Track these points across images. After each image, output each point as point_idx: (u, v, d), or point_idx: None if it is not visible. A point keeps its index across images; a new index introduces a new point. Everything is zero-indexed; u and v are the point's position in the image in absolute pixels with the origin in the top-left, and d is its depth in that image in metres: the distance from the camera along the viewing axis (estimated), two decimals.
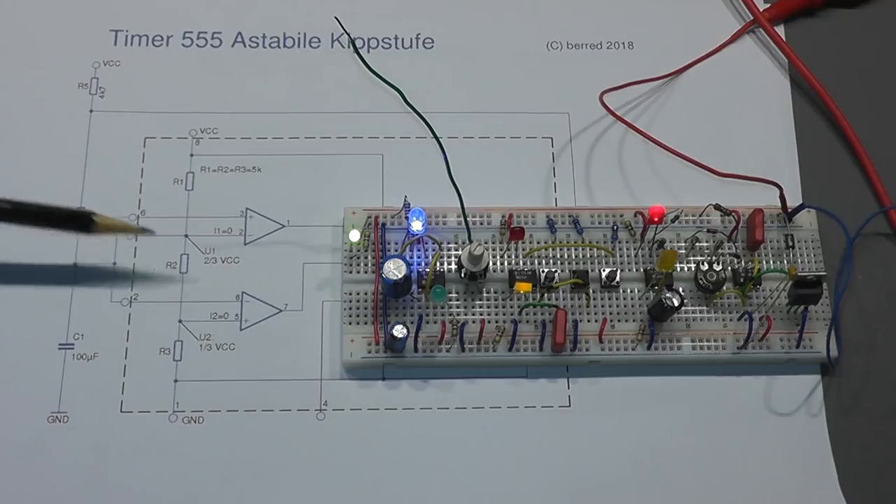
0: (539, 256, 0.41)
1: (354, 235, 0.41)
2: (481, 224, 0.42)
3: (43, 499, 0.38)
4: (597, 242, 0.42)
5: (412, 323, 0.40)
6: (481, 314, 0.41)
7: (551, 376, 0.41)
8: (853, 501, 0.39)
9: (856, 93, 0.46)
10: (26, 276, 0.41)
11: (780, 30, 0.47)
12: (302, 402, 0.40)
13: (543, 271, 0.41)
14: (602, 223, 0.42)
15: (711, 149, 0.43)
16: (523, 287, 0.40)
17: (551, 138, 0.45)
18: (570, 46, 0.47)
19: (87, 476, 0.38)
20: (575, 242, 0.42)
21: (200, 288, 0.41)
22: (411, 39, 0.46)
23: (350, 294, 0.41)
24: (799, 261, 0.42)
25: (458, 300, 0.41)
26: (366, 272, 0.41)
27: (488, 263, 0.40)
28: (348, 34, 0.46)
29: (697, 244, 0.42)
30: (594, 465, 0.39)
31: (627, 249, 0.42)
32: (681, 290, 0.40)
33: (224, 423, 0.39)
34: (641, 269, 0.41)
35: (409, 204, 0.41)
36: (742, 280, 0.41)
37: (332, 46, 0.46)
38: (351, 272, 0.41)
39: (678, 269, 0.41)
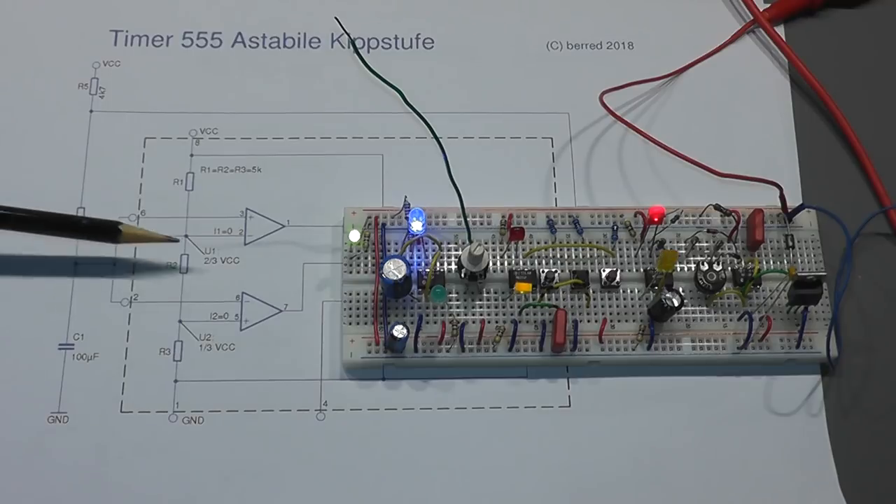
0: (539, 256, 0.41)
1: (354, 235, 0.41)
2: (481, 224, 0.42)
3: (43, 499, 0.38)
4: (597, 242, 0.42)
5: (412, 323, 0.40)
6: (481, 314, 0.41)
7: (551, 376, 0.41)
8: (853, 501, 0.39)
9: (856, 93, 0.46)
10: (26, 276, 0.41)
11: (780, 30, 0.47)
12: (302, 403, 0.40)
13: (543, 271, 0.41)
14: (602, 223, 0.42)
15: (711, 149, 0.43)
16: (523, 287, 0.40)
17: (551, 138, 0.45)
18: (570, 46, 0.47)
19: (87, 476, 0.38)
20: (575, 242, 0.42)
21: (200, 288, 0.41)
22: (411, 39, 0.46)
23: (350, 294, 0.41)
24: (799, 261, 0.42)
25: (458, 300, 0.41)
26: (366, 272, 0.41)
27: (488, 263, 0.40)
28: (348, 34, 0.46)
29: (697, 244, 0.42)
30: (594, 465, 0.39)
31: (627, 249, 0.42)
32: (681, 290, 0.40)
33: (224, 423, 0.39)
34: (641, 270, 0.41)
35: (409, 204, 0.41)
36: (742, 280, 0.41)
37: (332, 46, 0.46)
38: (351, 272, 0.41)
39: (678, 269, 0.41)
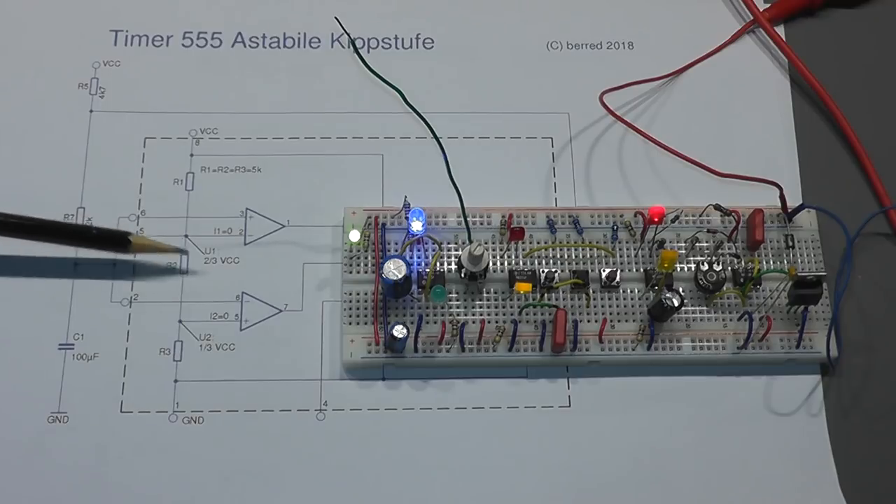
0: (539, 256, 0.41)
1: (354, 235, 0.41)
2: (481, 224, 0.42)
3: (43, 499, 0.38)
4: (597, 242, 0.42)
5: (412, 323, 0.40)
6: (481, 314, 0.41)
7: (551, 376, 0.41)
8: (853, 501, 0.39)
9: (856, 93, 0.46)
10: (27, 276, 0.41)
11: (780, 30, 0.47)
12: (302, 402, 0.40)
13: (543, 271, 0.41)
14: (602, 223, 0.42)
15: (711, 149, 0.43)
16: (523, 287, 0.40)
17: (551, 138, 0.45)
18: (570, 46, 0.47)
19: (87, 476, 0.38)
20: (575, 242, 0.42)
21: (200, 288, 0.41)
22: (411, 39, 0.46)
23: (350, 294, 0.41)
24: (799, 261, 0.42)
25: (458, 300, 0.41)
26: (366, 272, 0.41)
27: (488, 263, 0.40)
28: (348, 34, 0.46)
29: (697, 244, 0.42)
30: (594, 465, 0.39)
31: (627, 249, 0.42)
32: (681, 290, 0.40)
33: (224, 423, 0.39)
34: (641, 270, 0.41)
35: (409, 204, 0.41)
36: (742, 280, 0.41)
37: (332, 46, 0.46)
38: (351, 272, 0.41)
39: (678, 269, 0.41)
